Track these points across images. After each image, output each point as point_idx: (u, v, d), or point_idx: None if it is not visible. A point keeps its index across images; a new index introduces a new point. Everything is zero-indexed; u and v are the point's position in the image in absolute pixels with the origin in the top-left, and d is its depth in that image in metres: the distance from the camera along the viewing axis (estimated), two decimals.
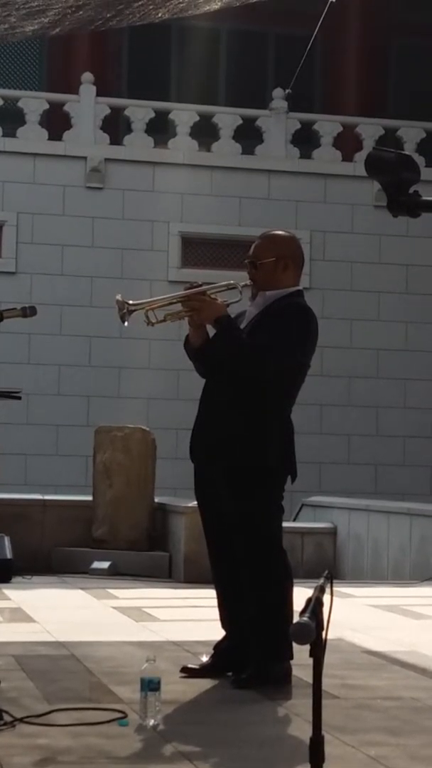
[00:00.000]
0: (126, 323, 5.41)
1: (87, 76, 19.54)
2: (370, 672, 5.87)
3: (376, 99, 21.73)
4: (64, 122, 19.58)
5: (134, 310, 5.43)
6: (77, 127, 19.51)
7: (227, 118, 20.10)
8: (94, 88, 19.59)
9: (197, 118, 19.93)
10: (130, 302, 5.41)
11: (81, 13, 8.42)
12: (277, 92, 20.04)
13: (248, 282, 5.57)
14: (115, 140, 19.74)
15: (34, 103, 19.56)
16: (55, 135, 19.41)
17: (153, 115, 19.83)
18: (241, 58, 21.64)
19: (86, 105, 19.58)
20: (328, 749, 3.19)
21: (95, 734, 4.36)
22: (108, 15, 8.65)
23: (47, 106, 19.61)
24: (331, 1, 8.46)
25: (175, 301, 5.52)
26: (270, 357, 5.33)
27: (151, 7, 8.21)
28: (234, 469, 5.36)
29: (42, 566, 10.89)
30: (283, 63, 20.74)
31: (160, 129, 19.88)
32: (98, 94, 19.66)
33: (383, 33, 21.77)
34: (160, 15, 8.73)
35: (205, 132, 19.92)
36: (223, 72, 21.81)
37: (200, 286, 5.53)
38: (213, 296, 5.50)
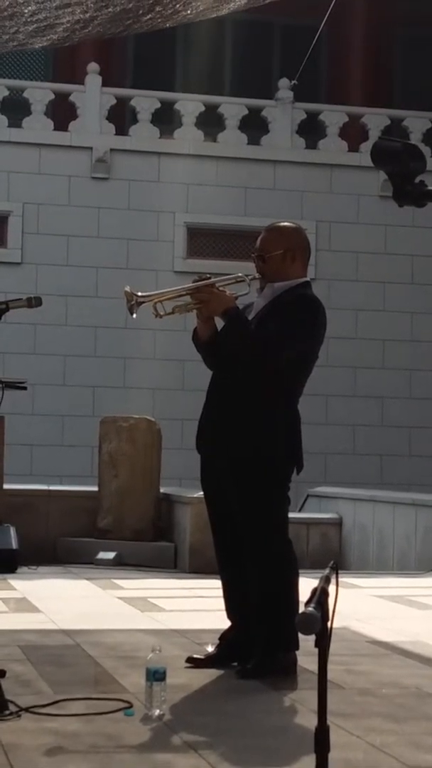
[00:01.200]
0: (134, 315, 5.41)
1: (92, 66, 19.52)
2: (375, 661, 5.88)
3: (382, 89, 21.69)
4: (69, 112, 19.57)
5: (143, 302, 5.43)
6: (83, 117, 19.50)
7: (233, 109, 20.07)
8: (99, 79, 19.57)
9: (203, 109, 19.91)
10: (139, 294, 5.41)
11: (89, 29, 8.43)
12: (283, 82, 20.02)
13: (257, 275, 5.57)
14: (121, 130, 19.72)
15: (39, 93, 19.54)
16: (61, 125, 19.40)
17: (158, 105, 19.81)
18: (247, 48, 21.60)
19: (92, 95, 19.56)
20: (332, 737, 3.19)
21: (101, 724, 4.36)
22: (116, 30, 8.67)
23: (53, 97, 19.60)
24: None
25: (183, 293, 5.52)
26: (279, 349, 5.33)
27: (159, 20, 8.23)
28: (241, 461, 5.36)
29: (47, 556, 10.90)
30: (288, 53, 20.72)
31: (166, 119, 19.86)
32: (104, 85, 19.65)
33: (389, 23, 21.72)
34: (168, 24, 8.74)
35: (210, 122, 19.90)
36: (228, 62, 21.77)
37: (209, 278, 5.53)
38: (221, 288, 5.50)
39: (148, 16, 7.99)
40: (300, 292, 5.50)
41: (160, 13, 7.85)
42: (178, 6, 7.77)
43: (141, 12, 7.84)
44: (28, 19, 7.74)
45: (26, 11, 7.47)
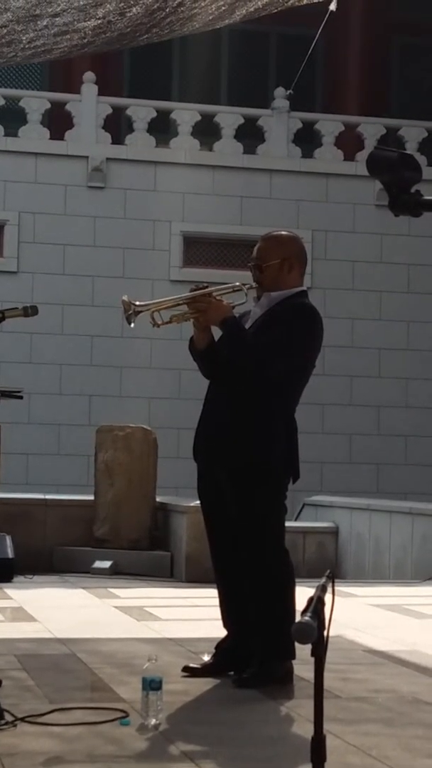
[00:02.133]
0: (132, 324, 5.41)
1: (89, 76, 19.54)
2: (371, 670, 5.88)
3: (378, 98, 21.72)
4: (65, 122, 19.58)
5: (140, 311, 5.43)
6: (79, 126, 19.51)
7: (229, 118, 20.10)
8: (95, 88, 19.59)
9: (199, 118, 19.93)
10: (137, 303, 5.41)
11: (86, 50, 8.49)
12: (279, 91, 20.04)
13: (254, 285, 5.57)
14: (117, 140, 19.74)
15: (35, 102, 19.56)
16: (57, 134, 19.41)
17: (155, 114, 19.82)
18: (243, 58, 21.64)
19: (88, 104, 19.58)
20: (328, 746, 3.18)
21: (97, 734, 4.36)
22: (111, 48, 8.72)
23: (49, 106, 19.61)
24: (331, 9, 8.49)
25: (181, 302, 5.52)
26: (276, 358, 5.33)
27: (155, 38, 8.27)
28: (237, 470, 5.36)
29: (43, 566, 10.90)
30: (284, 62, 20.75)
31: (162, 128, 19.88)
32: (100, 94, 19.66)
33: (385, 32, 21.76)
34: (164, 39, 8.80)
35: (206, 131, 19.92)
36: (224, 71, 21.81)
37: (206, 287, 5.53)
38: (218, 298, 5.50)
39: (144, 36, 8.04)
40: (297, 302, 5.50)
41: (157, 34, 7.90)
42: (174, 27, 7.82)
43: (138, 34, 7.89)
44: (26, 46, 7.79)
45: (24, 38, 7.51)
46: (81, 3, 6.76)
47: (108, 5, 6.84)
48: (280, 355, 5.33)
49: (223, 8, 7.48)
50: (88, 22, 7.20)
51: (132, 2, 6.81)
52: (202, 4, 7.23)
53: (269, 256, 5.54)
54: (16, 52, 8.06)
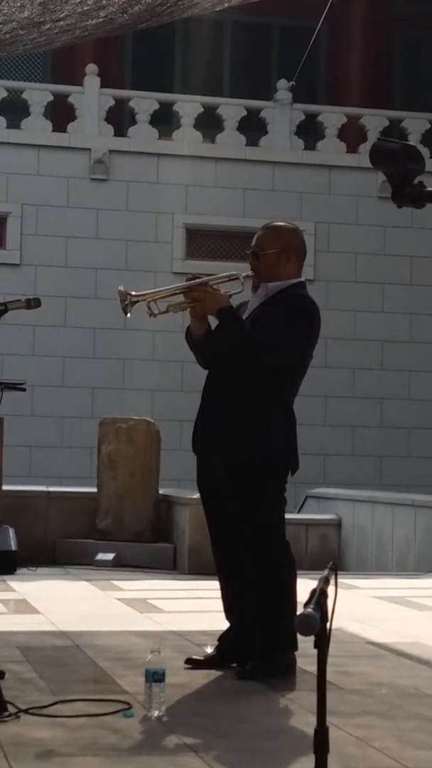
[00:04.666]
0: (128, 314, 5.41)
1: (91, 68, 19.52)
2: (374, 662, 5.88)
3: (381, 90, 21.69)
4: (68, 114, 19.56)
5: (137, 302, 5.42)
6: (81, 118, 19.50)
7: (231, 110, 20.08)
8: (98, 80, 19.58)
9: (201, 110, 19.91)
10: (133, 293, 5.41)
11: (85, 39, 8.50)
12: (282, 83, 20.02)
13: (250, 273, 5.57)
14: (120, 132, 19.73)
15: (38, 94, 19.54)
16: (60, 126, 19.40)
17: (157, 106, 19.81)
18: (246, 50, 21.61)
19: (90, 96, 19.57)
20: (331, 738, 3.19)
21: (100, 725, 4.36)
22: (111, 34, 8.72)
23: (51, 98, 19.60)
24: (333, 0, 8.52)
25: (177, 292, 5.52)
26: (272, 348, 5.33)
27: (154, 25, 8.29)
28: (236, 462, 5.36)
29: (46, 558, 10.90)
30: (287, 54, 20.72)
31: (165, 120, 19.86)
32: (102, 86, 19.65)
33: (387, 24, 21.72)
34: (163, 23, 8.82)
35: (209, 123, 19.90)
36: (227, 63, 21.77)
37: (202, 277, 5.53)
38: (215, 287, 5.49)
39: (143, 24, 8.06)
40: (294, 292, 5.49)
41: (156, 21, 7.91)
42: (175, 14, 7.84)
43: (138, 23, 7.91)
44: (29, 43, 7.82)
45: (27, 38, 7.53)
46: (85, 8, 6.78)
47: (111, 7, 6.85)
48: (276, 346, 5.32)
49: None
50: (91, 21, 7.22)
51: (134, 2, 6.82)
52: None
53: (267, 245, 5.53)
54: (18, 47, 8.10)
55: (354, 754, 4.04)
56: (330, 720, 3.24)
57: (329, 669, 3.16)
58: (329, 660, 3.14)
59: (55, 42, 8.19)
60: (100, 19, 7.13)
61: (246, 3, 8.44)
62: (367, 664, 5.81)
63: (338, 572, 3.25)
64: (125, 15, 7.11)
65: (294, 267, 5.56)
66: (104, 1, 6.67)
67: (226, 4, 7.89)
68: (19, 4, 6.48)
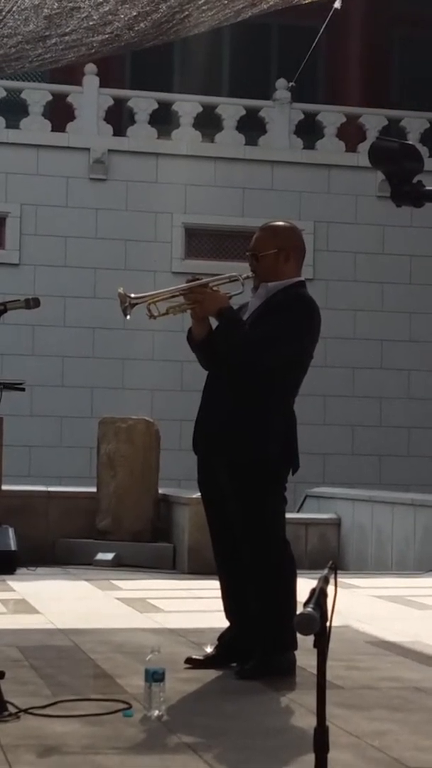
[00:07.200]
0: (128, 317, 5.41)
1: (90, 68, 19.52)
2: (374, 661, 5.88)
3: (380, 89, 21.70)
4: (67, 113, 19.57)
5: (136, 304, 5.42)
6: (80, 118, 19.50)
7: (230, 109, 20.08)
8: (97, 80, 19.58)
9: (200, 109, 19.92)
10: (132, 296, 5.41)
11: (93, 57, 8.51)
12: (280, 83, 20.03)
13: (250, 274, 5.57)
14: (119, 131, 19.74)
15: (37, 94, 19.55)
16: (59, 126, 19.41)
17: (156, 106, 19.82)
18: (244, 49, 21.61)
19: (89, 96, 19.57)
20: (330, 737, 3.19)
21: (100, 725, 4.36)
22: (118, 53, 8.72)
23: (50, 98, 19.60)
24: (336, 8, 8.52)
25: (177, 293, 5.51)
26: (273, 349, 5.33)
27: (160, 43, 8.31)
28: (236, 461, 5.35)
29: (46, 557, 10.90)
30: (286, 53, 20.73)
31: (164, 120, 19.87)
32: (101, 86, 19.65)
33: (386, 23, 21.73)
34: (169, 41, 8.85)
35: (208, 123, 19.91)
36: (226, 63, 21.78)
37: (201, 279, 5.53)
38: (215, 288, 5.49)
39: (150, 43, 8.08)
40: (293, 292, 5.49)
41: (162, 39, 7.93)
42: (180, 33, 7.86)
43: (144, 41, 7.92)
44: (34, 59, 7.83)
45: (32, 54, 7.54)
46: (90, 23, 6.79)
47: (117, 23, 6.87)
48: (276, 345, 5.32)
49: (230, 14, 7.51)
50: (97, 38, 7.23)
51: (140, 18, 6.83)
52: (209, 14, 7.25)
53: (265, 246, 5.53)
54: (23, 64, 8.12)
55: (355, 753, 4.04)
56: (331, 719, 3.24)
57: (329, 668, 3.17)
58: (329, 659, 3.14)
59: (61, 60, 8.19)
60: (106, 35, 7.15)
61: (250, 17, 8.45)
62: (368, 663, 5.81)
63: (338, 571, 3.25)
64: (131, 32, 7.13)
65: (293, 266, 5.56)
66: (110, 17, 6.68)
67: (232, 21, 7.91)
68: (24, 18, 6.49)
